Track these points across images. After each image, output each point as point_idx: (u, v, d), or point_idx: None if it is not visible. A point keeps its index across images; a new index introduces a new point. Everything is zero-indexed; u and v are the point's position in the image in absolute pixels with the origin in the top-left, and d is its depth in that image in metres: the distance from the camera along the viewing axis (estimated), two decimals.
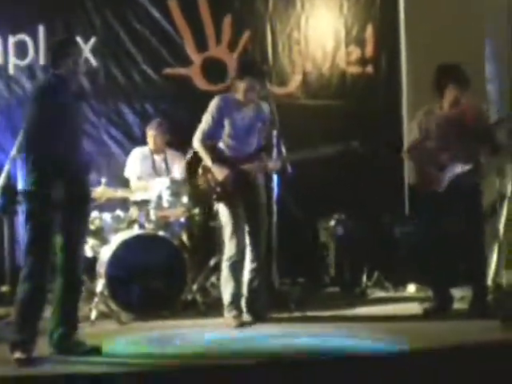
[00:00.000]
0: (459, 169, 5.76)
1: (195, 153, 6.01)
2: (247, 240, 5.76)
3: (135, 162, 6.90)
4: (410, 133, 6.27)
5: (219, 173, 5.68)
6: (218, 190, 5.72)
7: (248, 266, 5.78)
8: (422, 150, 5.94)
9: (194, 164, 6.29)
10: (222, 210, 5.77)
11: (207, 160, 5.75)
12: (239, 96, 5.78)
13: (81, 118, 4.87)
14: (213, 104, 5.79)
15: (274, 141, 5.88)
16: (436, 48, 7.68)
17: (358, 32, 8.29)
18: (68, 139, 4.60)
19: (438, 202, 5.83)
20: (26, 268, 4.55)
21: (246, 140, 5.80)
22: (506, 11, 7.64)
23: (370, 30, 8.30)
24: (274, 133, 5.90)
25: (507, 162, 6.82)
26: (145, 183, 6.63)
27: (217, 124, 5.75)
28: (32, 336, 4.55)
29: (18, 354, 4.49)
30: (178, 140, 7.08)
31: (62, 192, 4.53)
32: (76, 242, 4.72)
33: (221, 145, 5.79)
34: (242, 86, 5.73)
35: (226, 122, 5.75)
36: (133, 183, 6.83)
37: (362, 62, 8.28)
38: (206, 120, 5.78)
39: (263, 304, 5.86)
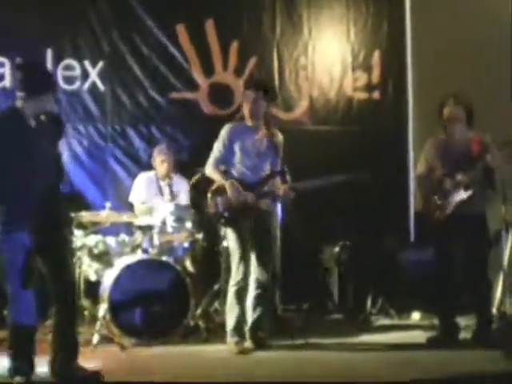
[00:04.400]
0: (463, 196, 5.76)
1: (202, 174, 6.02)
2: (252, 266, 5.75)
3: (140, 187, 6.91)
4: (418, 162, 6.24)
5: (232, 188, 5.64)
6: (226, 214, 5.71)
7: (252, 292, 5.76)
8: (428, 179, 5.96)
9: (200, 186, 6.31)
10: (230, 236, 5.76)
11: (220, 179, 5.74)
12: (248, 121, 5.81)
13: (45, 146, 4.65)
14: (223, 131, 5.83)
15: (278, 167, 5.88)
16: (443, 73, 7.71)
17: (365, 58, 8.32)
18: (27, 169, 4.53)
19: (444, 230, 5.83)
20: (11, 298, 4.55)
21: (258, 166, 5.79)
22: None
23: (376, 56, 8.33)
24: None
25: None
26: (149, 206, 6.64)
27: (228, 150, 5.77)
28: (29, 362, 4.55)
29: (17, 379, 4.50)
30: (184, 165, 7.10)
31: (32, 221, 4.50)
32: (58, 267, 4.65)
33: (233, 172, 5.79)
34: (244, 101, 5.77)
35: (237, 148, 5.77)
36: (137, 208, 6.84)
37: (369, 87, 8.31)
38: (217, 147, 5.81)
39: (266, 331, 5.84)
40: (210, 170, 5.84)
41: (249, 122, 5.81)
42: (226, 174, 5.78)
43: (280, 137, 5.89)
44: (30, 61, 5.37)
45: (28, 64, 4.90)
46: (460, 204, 5.77)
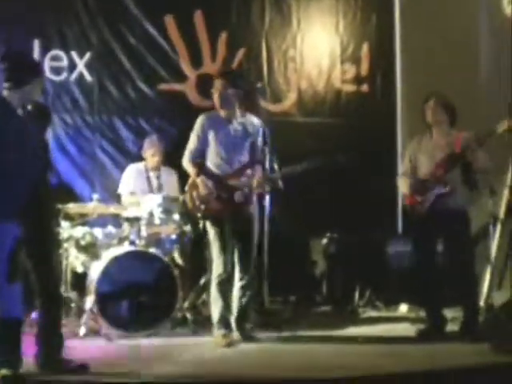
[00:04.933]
0: (442, 191, 5.76)
1: None
2: (236, 257, 5.73)
3: (129, 179, 6.88)
4: (402, 161, 6.27)
5: (203, 187, 5.63)
6: (202, 207, 5.68)
7: (237, 283, 5.75)
8: (412, 178, 5.96)
9: None
10: (209, 229, 5.73)
11: (193, 174, 5.71)
12: (220, 111, 5.75)
13: (34, 136, 4.60)
14: (197, 123, 5.78)
15: (266, 158, 5.83)
16: (431, 66, 7.71)
17: (354, 50, 8.31)
18: (16, 159, 4.46)
19: (426, 224, 5.83)
20: None
21: (233, 157, 5.73)
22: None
23: (365, 49, 8.33)
24: (266, 150, 5.84)
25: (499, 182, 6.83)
26: (136, 199, 6.60)
27: (202, 142, 5.73)
28: (16, 354, 4.51)
29: (4, 371, 4.46)
30: (171, 156, 7.07)
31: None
32: (44, 260, 4.61)
33: (209, 164, 5.76)
34: (214, 91, 5.71)
35: (211, 139, 5.71)
36: (124, 199, 6.80)
37: (357, 80, 8.31)
38: (192, 139, 5.77)
39: (252, 322, 5.83)
40: (185, 163, 5.79)
41: (220, 113, 5.76)
42: (203, 166, 5.73)
43: (256, 124, 5.80)
44: (16, 50, 5.34)
45: (13, 53, 4.86)
46: (440, 199, 5.76)
